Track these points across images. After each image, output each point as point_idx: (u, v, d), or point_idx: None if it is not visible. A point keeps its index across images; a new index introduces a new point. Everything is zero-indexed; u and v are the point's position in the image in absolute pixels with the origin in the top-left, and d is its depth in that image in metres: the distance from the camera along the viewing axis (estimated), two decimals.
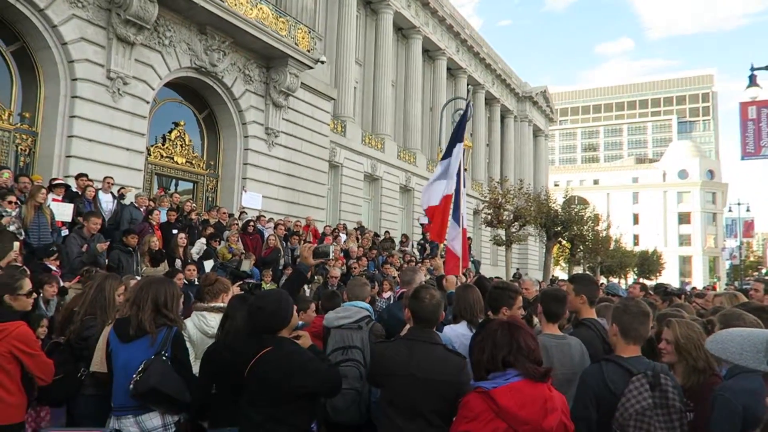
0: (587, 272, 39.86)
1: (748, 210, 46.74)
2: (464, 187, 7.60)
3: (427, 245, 18.03)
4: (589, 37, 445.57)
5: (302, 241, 13.23)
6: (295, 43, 17.39)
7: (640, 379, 2.82)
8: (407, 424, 3.09)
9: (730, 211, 50.09)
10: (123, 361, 3.46)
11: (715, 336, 2.26)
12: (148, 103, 14.38)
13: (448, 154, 7.64)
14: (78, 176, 10.89)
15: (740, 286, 38.66)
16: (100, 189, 10.81)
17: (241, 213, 13.80)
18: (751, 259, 66.13)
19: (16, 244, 6.70)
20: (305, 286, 8.45)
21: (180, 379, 3.45)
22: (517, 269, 27.05)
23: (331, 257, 12.09)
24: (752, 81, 15.46)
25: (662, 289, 8.06)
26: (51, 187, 9.53)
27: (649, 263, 55.55)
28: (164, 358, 3.47)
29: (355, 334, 4.19)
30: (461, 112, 16.13)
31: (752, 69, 15.39)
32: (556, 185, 73.25)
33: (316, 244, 6.52)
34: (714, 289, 20.19)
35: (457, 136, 7.75)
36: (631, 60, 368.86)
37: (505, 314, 3.82)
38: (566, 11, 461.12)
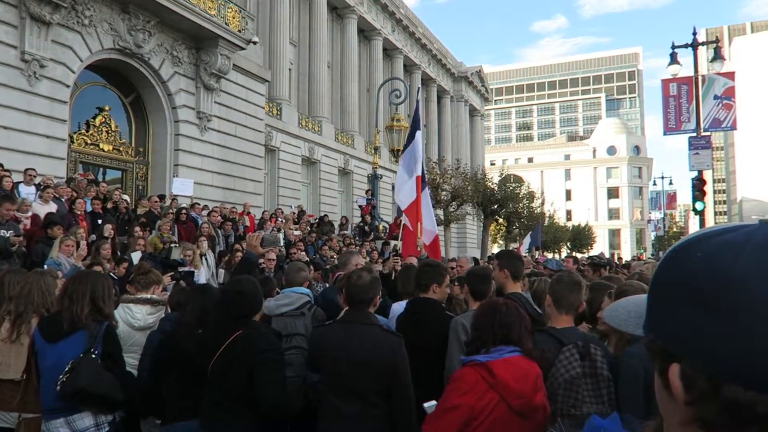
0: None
1: (671, 183, 49.05)
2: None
3: (366, 227, 18.03)
4: (525, 15, 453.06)
5: (238, 228, 12.93)
6: (226, 23, 16.82)
7: (571, 349, 2.87)
8: (346, 405, 3.12)
9: (654, 184, 52.48)
10: (52, 362, 3.31)
11: (612, 305, 2.34)
12: (68, 87, 13.59)
13: (408, 143, 7.77)
14: None
15: None
16: (21, 182, 10.19)
17: (173, 200, 13.28)
18: (674, 229, 69.85)
19: None
20: None
21: (112, 377, 3.35)
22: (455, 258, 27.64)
23: (281, 245, 11.93)
24: (673, 59, 16.19)
25: (591, 261, 8.46)
26: None
27: (581, 237, 57.84)
28: (94, 355, 3.34)
29: (298, 321, 4.11)
30: (398, 93, 16.16)
31: (673, 47, 16.11)
32: (492, 164, 74.92)
33: (259, 232, 6.38)
34: (640, 259, 21.28)
35: (415, 125, 7.89)
36: (564, 38, 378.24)
37: (435, 291, 3.91)
38: None
